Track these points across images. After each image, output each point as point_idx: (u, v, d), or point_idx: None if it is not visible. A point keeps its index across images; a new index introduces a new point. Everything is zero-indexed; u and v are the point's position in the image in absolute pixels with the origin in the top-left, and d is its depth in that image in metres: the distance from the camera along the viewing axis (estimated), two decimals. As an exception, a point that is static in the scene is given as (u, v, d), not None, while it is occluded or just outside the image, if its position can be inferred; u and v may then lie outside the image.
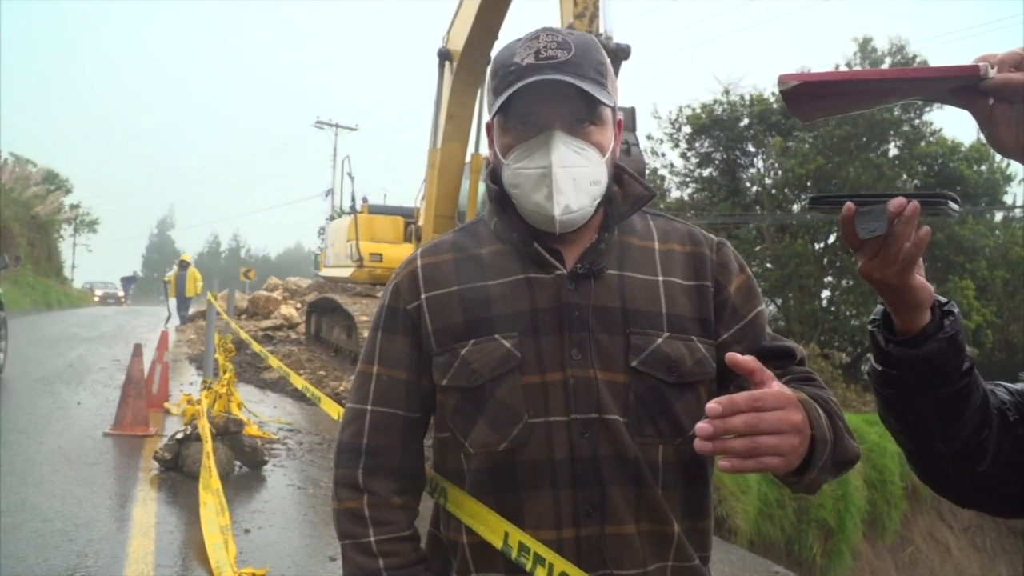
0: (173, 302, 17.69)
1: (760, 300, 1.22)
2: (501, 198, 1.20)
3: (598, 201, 1.14)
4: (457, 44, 7.69)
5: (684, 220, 1.28)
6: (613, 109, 1.15)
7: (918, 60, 16.78)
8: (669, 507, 1.10)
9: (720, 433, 0.88)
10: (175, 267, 18.06)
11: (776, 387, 0.92)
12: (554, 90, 1.07)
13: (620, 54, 5.10)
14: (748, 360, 0.93)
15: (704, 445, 0.89)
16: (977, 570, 10.93)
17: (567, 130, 1.10)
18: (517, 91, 1.07)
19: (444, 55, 8.02)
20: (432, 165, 8.46)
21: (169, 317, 18.00)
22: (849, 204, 0.84)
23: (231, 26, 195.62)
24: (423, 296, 1.18)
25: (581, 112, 1.10)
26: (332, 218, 13.42)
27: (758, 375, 0.93)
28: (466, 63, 7.47)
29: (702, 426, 0.88)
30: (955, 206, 0.83)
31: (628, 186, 1.21)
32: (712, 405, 0.88)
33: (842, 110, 0.93)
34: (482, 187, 7.95)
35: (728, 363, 0.95)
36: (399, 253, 9.89)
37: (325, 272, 13.11)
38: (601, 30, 5.11)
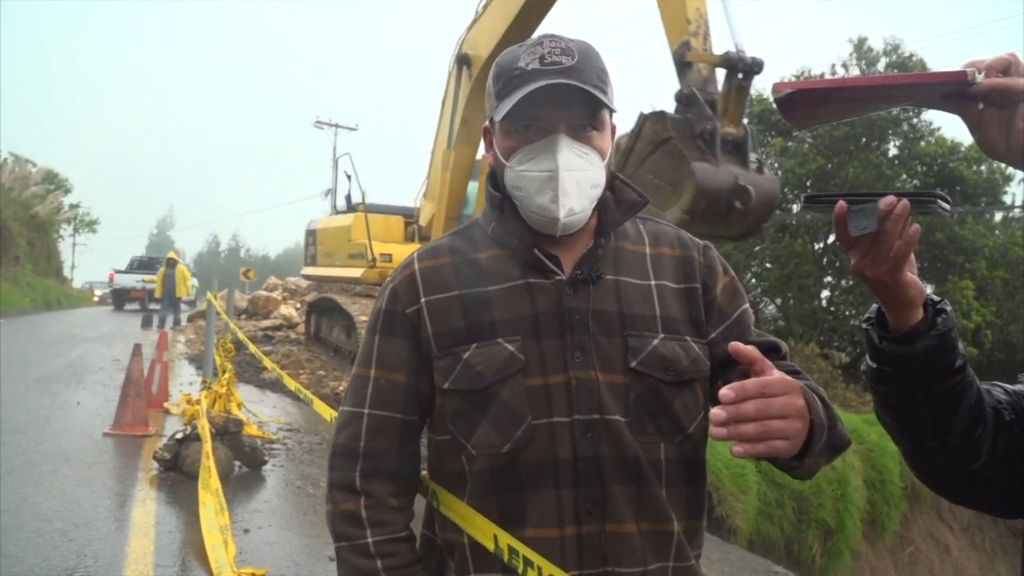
0: (162, 303, 17.33)
1: (744, 299, 1.26)
2: (501, 203, 1.21)
3: (595, 204, 1.17)
4: (479, 50, 7.59)
5: (673, 224, 1.31)
6: (612, 115, 1.18)
7: (914, 59, 16.81)
8: (671, 506, 1.12)
9: (733, 419, 0.91)
10: (163, 267, 17.68)
11: (778, 374, 0.96)
12: (559, 95, 1.09)
13: (754, 68, 4.89)
14: (750, 350, 0.96)
15: (719, 431, 0.92)
16: (976, 570, 10.93)
17: (571, 134, 1.12)
18: (523, 95, 1.09)
19: (463, 60, 7.92)
20: (445, 167, 8.50)
21: (152, 320, 17.53)
22: (841, 203, 0.87)
23: (231, 27, 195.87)
24: (423, 300, 1.19)
25: (584, 117, 1.12)
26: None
27: (759, 364, 0.96)
28: (489, 69, 7.36)
29: (716, 412, 0.91)
30: (945, 205, 0.85)
31: (621, 192, 1.23)
32: (725, 391, 0.91)
33: (836, 117, 0.95)
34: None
35: (731, 351, 0.98)
36: (408, 253, 9.82)
37: (312, 271, 12.54)
38: (733, 43, 4.95)
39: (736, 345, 0.97)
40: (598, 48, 1.18)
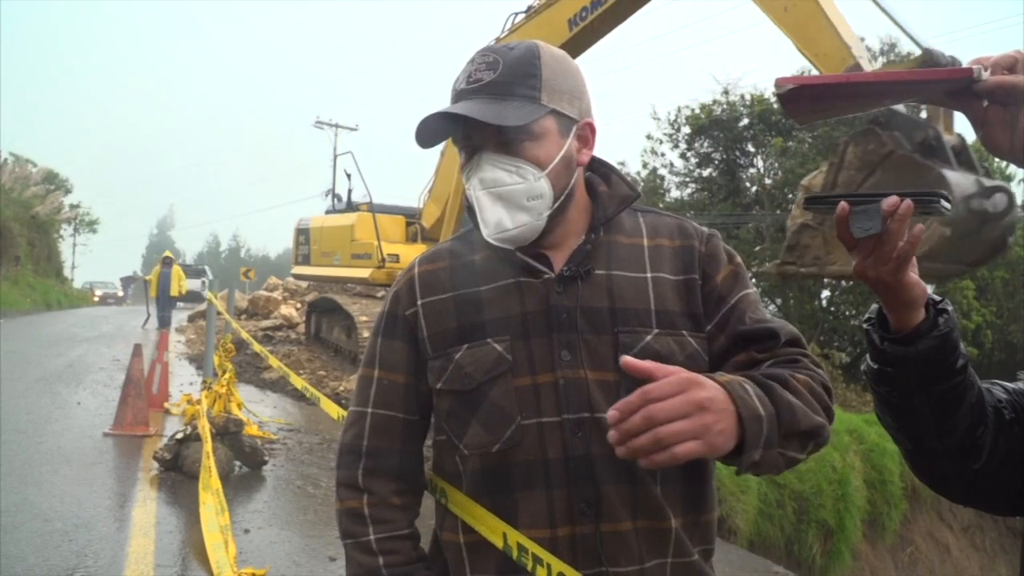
0: (154, 301, 17.42)
1: (746, 285, 1.20)
2: None
3: (548, 212, 1.13)
4: None
5: (675, 215, 1.28)
6: (560, 117, 1.14)
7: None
8: (668, 503, 1.11)
9: (625, 437, 0.88)
10: (157, 265, 17.77)
11: (673, 376, 0.91)
12: (478, 114, 1.09)
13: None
14: (638, 363, 0.92)
15: (621, 451, 0.89)
16: (977, 570, 10.93)
17: (501, 150, 1.12)
18: (451, 118, 1.12)
19: None
20: (461, 171, 8.50)
21: (148, 318, 17.87)
22: (843, 204, 0.86)
23: (231, 27, 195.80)
24: (419, 302, 1.21)
25: (511, 131, 1.10)
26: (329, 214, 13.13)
27: (658, 373, 0.91)
28: None
29: (611, 434, 0.89)
30: (947, 205, 0.84)
31: (616, 187, 1.22)
32: (611, 412, 0.89)
33: (839, 112, 0.94)
34: None
35: (623, 366, 0.93)
36: (415, 254, 9.80)
37: (306, 271, 12.37)
38: (920, 48, 4.57)
39: (625, 360, 0.93)
40: (546, 50, 1.15)
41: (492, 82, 1.10)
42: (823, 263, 4.77)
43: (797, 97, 0.88)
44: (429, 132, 1.15)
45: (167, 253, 18.76)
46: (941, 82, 0.87)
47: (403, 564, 1.18)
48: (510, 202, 1.11)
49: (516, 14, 7.76)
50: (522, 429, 1.11)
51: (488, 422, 1.12)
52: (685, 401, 0.89)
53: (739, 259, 1.23)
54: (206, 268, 32.09)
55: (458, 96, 1.13)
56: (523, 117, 1.09)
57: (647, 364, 0.92)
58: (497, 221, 1.11)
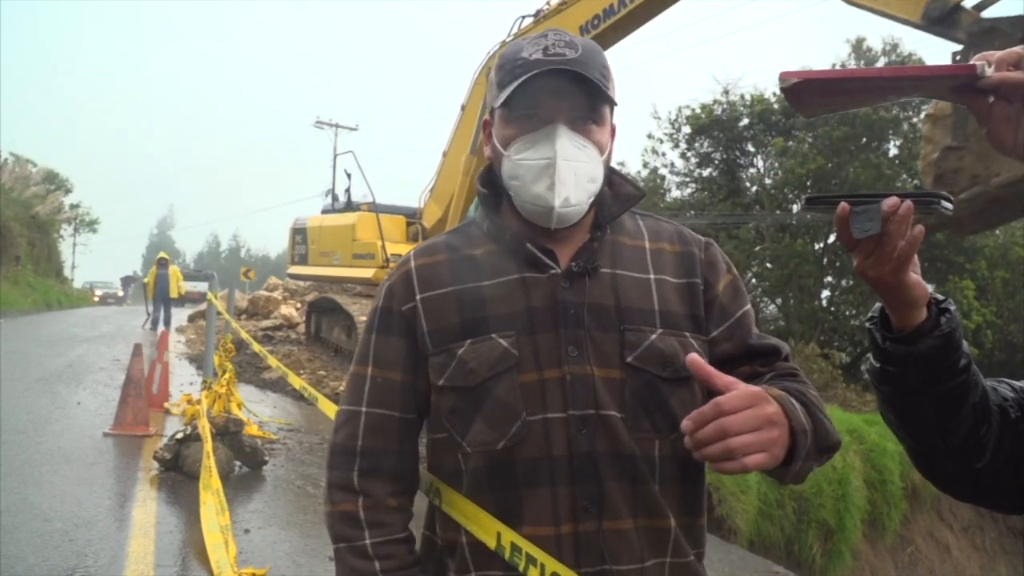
0: (152, 303, 17.38)
1: (746, 299, 1.25)
2: (492, 200, 1.22)
3: (592, 199, 1.16)
4: None
5: (672, 220, 1.30)
6: (612, 111, 1.18)
7: (913, 59, 16.77)
8: (666, 502, 1.11)
9: (698, 447, 0.94)
10: (154, 267, 17.71)
11: (741, 388, 0.96)
12: (559, 86, 1.09)
13: None
14: (703, 365, 0.98)
15: (696, 455, 0.95)
16: (977, 570, 10.93)
17: (570, 126, 1.12)
18: (524, 85, 1.09)
19: None
20: (466, 172, 8.63)
21: (147, 319, 17.78)
22: (844, 204, 0.86)
23: (231, 27, 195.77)
24: (418, 297, 1.19)
25: (584, 110, 1.12)
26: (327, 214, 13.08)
27: (715, 380, 0.97)
28: None
29: (686, 441, 0.95)
30: (948, 205, 0.84)
31: (619, 186, 1.23)
32: (685, 423, 0.94)
33: (843, 107, 0.94)
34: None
35: (688, 364, 0.99)
36: None
37: (303, 270, 12.35)
38: None
39: (693, 358, 0.98)
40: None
41: (577, 59, 1.10)
42: (986, 178, 4.11)
43: (800, 91, 0.88)
44: (515, 94, 1.11)
45: (162, 254, 18.68)
46: (946, 77, 0.87)
47: (400, 569, 1.16)
48: (578, 177, 1.12)
49: (523, 17, 7.72)
50: (528, 425, 1.10)
51: (493, 419, 1.11)
52: (755, 415, 0.94)
53: (735, 269, 1.27)
54: (214, 273, 33.14)
55: (533, 65, 1.09)
56: (612, 98, 1.12)
57: (710, 369, 0.97)
58: (568, 194, 1.11)
